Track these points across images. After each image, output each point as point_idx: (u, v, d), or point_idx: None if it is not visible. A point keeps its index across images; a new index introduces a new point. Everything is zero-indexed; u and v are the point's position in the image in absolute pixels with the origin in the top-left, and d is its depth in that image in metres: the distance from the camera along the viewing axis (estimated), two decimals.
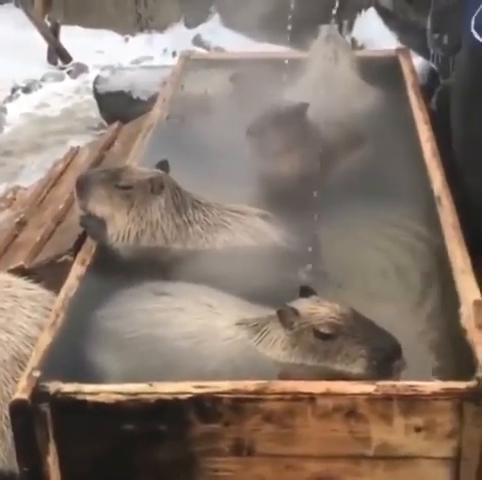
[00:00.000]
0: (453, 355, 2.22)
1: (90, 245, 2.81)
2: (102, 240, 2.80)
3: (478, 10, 2.84)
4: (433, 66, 4.64)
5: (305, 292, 2.30)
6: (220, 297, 2.41)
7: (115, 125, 4.67)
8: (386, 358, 2.15)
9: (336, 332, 2.18)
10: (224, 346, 2.27)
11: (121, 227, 2.77)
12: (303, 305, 2.24)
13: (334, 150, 3.26)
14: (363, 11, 5.60)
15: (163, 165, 2.89)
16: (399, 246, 2.71)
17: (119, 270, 2.72)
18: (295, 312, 2.21)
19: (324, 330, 2.18)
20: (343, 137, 3.38)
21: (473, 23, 2.88)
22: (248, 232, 2.78)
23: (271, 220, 2.83)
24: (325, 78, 3.84)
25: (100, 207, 2.79)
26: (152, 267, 2.68)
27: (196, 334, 2.30)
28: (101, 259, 2.75)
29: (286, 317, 2.22)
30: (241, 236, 2.78)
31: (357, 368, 2.17)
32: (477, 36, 2.83)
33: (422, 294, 2.46)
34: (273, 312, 2.27)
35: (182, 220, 2.78)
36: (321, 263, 2.64)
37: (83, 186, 2.82)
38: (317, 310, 2.22)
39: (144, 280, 2.53)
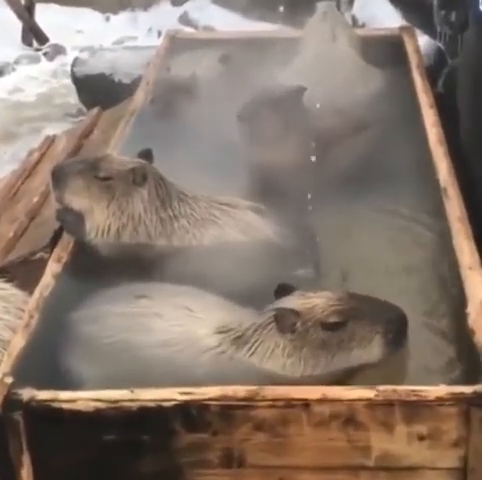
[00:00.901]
0: (459, 358, 2.23)
1: (67, 241, 2.82)
2: (80, 236, 2.81)
3: None
4: (440, 45, 4.67)
5: (285, 290, 2.29)
6: (201, 299, 2.41)
7: (95, 111, 4.68)
8: (400, 328, 2.21)
9: (345, 318, 2.19)
10: (206, 359, 2.25)
11: (100, 222, 2.78)
12: (294, 302, 2.23)
13: (332, 138, 3.28)
14: None
15: (146, 154, 2.90)
16: (402, 241, 2.73)
17: (98, 268, 2.72)
18: (295, 312, 2.19)
19: (333, 319, 2.18)
20: (342, 124, 3.39)
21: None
22: (238, 226, 2.80)
23: (264, 213, 2.84)
24: (322, 59, 3.85)
25: (78, 200, 2.79)
26: (133, 265, 2.68)
27: (174, 342, 2.29)
28: (79, 256, 2.76)
29: (286, 320, 2.20)
30: (231, 231, 2.79)
31: (375, 348, 2.20)
32: None
33: (427, 292, 2.48)
34: (259, 318, 2.25)
35: (167, 214, 2.79)
36: (318, 260, 2.65)
37: (59, 177, 2.83)
38: (314, 303, 2.21)
39: (124, 279, 2.54)
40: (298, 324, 2.20)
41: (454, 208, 2.74)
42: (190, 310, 2.36)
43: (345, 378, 2.19)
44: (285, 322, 2.20)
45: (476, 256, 2.48)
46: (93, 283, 2.59)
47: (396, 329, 2.21)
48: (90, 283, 2.61)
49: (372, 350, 2.20)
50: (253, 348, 2.24)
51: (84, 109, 5.83)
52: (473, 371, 2.11)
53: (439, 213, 2.79)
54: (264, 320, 2.25)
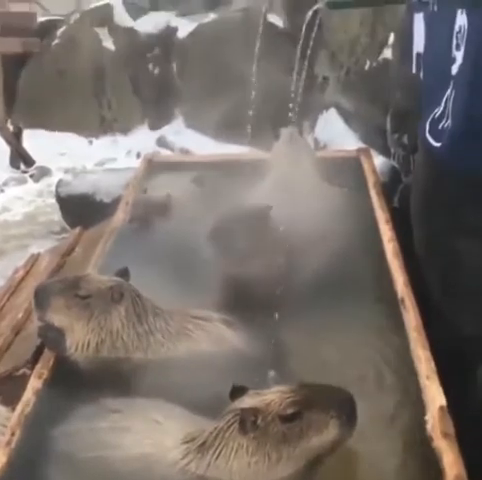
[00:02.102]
0: (418, 464, 2.21)
1: (48, 357, 2.81)
2: (61, 351, 2.80)
3: (432, 116, 2.96)
4: (394, 164, 4.81)
5: (239, 391, 2.27)
6: (170, 411, 2.40)
7: (77, 230, 4.73)
8: (351, 409, 2.20)
9: (301, 408, 2.18)
10: (173, 473, 2.22)
11: (80, 338, 2.78)
12: (251, 401, 2.22)
13: (297, 252, 3.33)
14: (324, 112, 5.82)
15: (123, 272, 2.93)
16: (363, 351, 2.74)
17: (77, 384, 2.70)
18: (254, 410, 2.17)
19: (290, 411, 2.17)
20: (306, 239, 3.44)
21: (427, 128, 3.00)
22: (210, 339, 2.80)
23: (235, 325, 2.86)
24: (287, 180, 3.95)
25: (59, 318, 2.80)
26: (111, 380, 2.67)
27: (143, 457, 2.26)
28: (59, 372, 2.74)
29: (247, 420, 2.17)
30: (203, 343, 2.79)
31: (332, 431, 2.18)
32: (431, 141, 2.95)
33: (386, 400, 2.47)
34: (219, 422, 2.23)
35: (143, 329, 2.80)
36: (284, 369, 2.65)
37: (41, 297, 2.84)
38: (270, 398, 2.20)
39: (102, 394, 2.52)
40: (258, 421, 2.18)
41: (411, 318, 2.78)
42: (158, 423, 2.34)
43: (306, 470, 2.16)
44: (246, 422, 2.18)
45: (432, 364, 2.50)
46: (72, 399, 2.56)
47: (348, 411, 2.21)
48: (70, 398, 2.57)
49: (329, 434, 2.19)
50: (217, 452, 2.21)
51: (67, 227, 5.89)
52: (432, 478, 2.08)
53: (397, 323, 2.81)
54: (224, 423, 2.22)
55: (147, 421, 2.35)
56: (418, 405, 2.37)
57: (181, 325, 2.83)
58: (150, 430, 2.33)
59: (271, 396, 2.21)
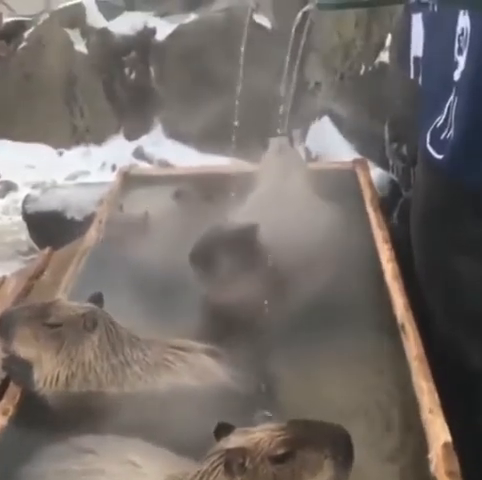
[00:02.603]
0: None
1: (14, 392, 2.79)
2: (27, 386, 2.78)
3: (433, 125, 2.97)
4: (393, 177, 4.84)
5: (225, 429, 2.25)
6: (148, 452, 2.38)
7: (46, 251, 4.70)
8: (347, 448, 2.18)
9: (292, 447, 2.16)
10: None
11: (49, 370, 2.76)
12: (238, 440, 2.19)
13: (288, 276, 3.33)
14: (316, 119, 5.85)
15: (97, 298, 2.92)
16: (360, 384, 2.74)
17: (46, 421, 2.68)
18: (241, 451, 2.15)
19: (281, 451, 2.15)
20: (297, 261, 3.44)
21: (428, 138, 3.02)
22: (193, 371, 2.79)
23: (219, 356, 2.85)
24: (276, 195, 3.95)
25: (25, 349, 2.78)
26: (83, 417, 2.65)
27: None
28: (26, 408, 2.72)
29: (233, 461, 2.14)
30: (185, 376, 2.78)
31: (327, 472, 2.16)
32: (433, 152, 2.96)
33: (385, 437, 2.48)
34: (203, 464, 2.21)
35: (118, 360, 2.79)
36: (274, 406, 2.65)
37: (6, 325, 2.82)
38: (258, 437, 2.18)
39: (72, 433, 2.50)
40: (246, 463, 2.15)
41: (412, 346, 2.78)
42: (135, 465, 2.32)
43: None
44: (232, 464, 2.14)
45: (436, 397, 2.50)
46: (41, 437, 2.54)
47: (344, 450, 2.19)
48: (37, 437, 2.55)
49: (324, 475, 2.17)
50: None
51: (35, 247, 5.88)
52: None
53: (397, 351, 2.82)
54: (209, 465, 2.19)
55: (123, 463, 2.33)
56: (420, 442, 2.37)
57: (160, 356, 2.82)
58: (127, 473, 2.30)
59: (260, 435, 2.19)
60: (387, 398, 2.66)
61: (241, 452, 2.16)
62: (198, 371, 2.79)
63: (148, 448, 2.41)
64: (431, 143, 3.00)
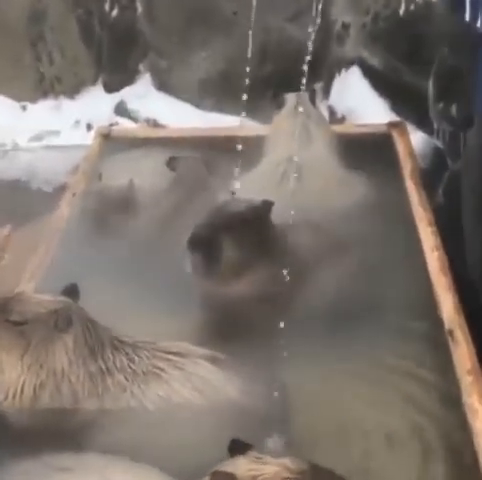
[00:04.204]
0: None
1: None
2: None
3: None
4: (438, 144, 4.83)
5: (238, 447, 2.29)
6: (128, 469, 2.41)
7: (5, 230, 4.72)
8: None
9: None
10: None
11: (12, 380, 2.78)
12: (241, 466, 2.22)
13: (308, 265, 3.34)
14: (343, 71, 5.83)
15: (71, 290, 2.93)
16: (395, 402, 2.75)
17: (10, 440, 2.70)
18: (231, 477, 2.17)
19: None
20: (319, 248, 3.45)
21: None
22: (190, 382, 2.81)
23: (222, 364, 2.87)
24: (293, 165, 3.95)
25: None
26: (55, 436, 2.66)
27: None
28: None
29: None
30: (180, 388, 2.80)
31: None
32: None
33: (428, 471, 2.48)
34: None
35: (97, 367, 2.80)
36: (290, 424, 2.67)
37: None
38: (262, 470, 2.19)
39: (43, 452, 2.50)
40: None
41: (463, 356, 2.79)
42: None
43: None
44: None
45: None
46: (4, 457, 2.55)
47: None
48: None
49: None
50: None
51: None
52: None
53: (445, 363, 2.83)
54: None
55: None
56: (473, 476, 2.38)
57: (150, 362, 2.83)
58: None
59: (267, 468, 2.20)
60: (429, 422, 2.67)
61: (230, 478, 2.17)
62: (197, 382, 2.80)
63: (129, 466, 2.44)
64: None
